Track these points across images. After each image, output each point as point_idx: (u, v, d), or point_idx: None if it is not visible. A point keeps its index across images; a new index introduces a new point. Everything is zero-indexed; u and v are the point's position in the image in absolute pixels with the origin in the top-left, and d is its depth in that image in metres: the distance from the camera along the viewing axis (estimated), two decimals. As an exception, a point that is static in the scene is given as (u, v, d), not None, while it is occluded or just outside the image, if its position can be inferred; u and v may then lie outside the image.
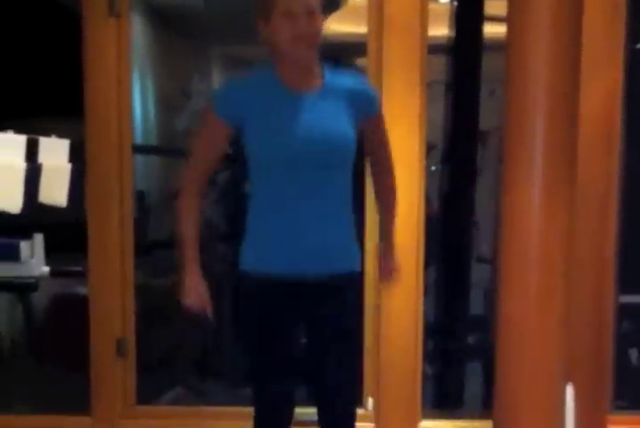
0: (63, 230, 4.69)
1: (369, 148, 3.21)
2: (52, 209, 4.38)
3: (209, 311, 3.04)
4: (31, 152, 4.14)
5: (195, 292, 3.04)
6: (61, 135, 4.45)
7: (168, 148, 6.34)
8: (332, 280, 3.03)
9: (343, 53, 5.72)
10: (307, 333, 3.13)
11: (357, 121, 3.06)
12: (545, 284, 2.36)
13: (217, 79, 6.68)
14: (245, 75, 3.15)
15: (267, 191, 3.01)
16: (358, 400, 3.50)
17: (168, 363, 5.28)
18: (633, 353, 4.79)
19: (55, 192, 4.31)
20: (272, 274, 3.00)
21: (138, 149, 5.51)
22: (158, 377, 5.05)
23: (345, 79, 3.10)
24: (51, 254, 5.02)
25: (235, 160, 6.03)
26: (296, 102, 2.98)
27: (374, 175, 3.33)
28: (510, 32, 2.40)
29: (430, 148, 5.33)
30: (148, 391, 4.46)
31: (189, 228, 3.08)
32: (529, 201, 2.35)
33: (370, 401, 3.31)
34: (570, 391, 2.46)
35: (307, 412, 3.23)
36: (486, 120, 5.19)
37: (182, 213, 3.10)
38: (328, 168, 2.99)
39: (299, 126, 2.95)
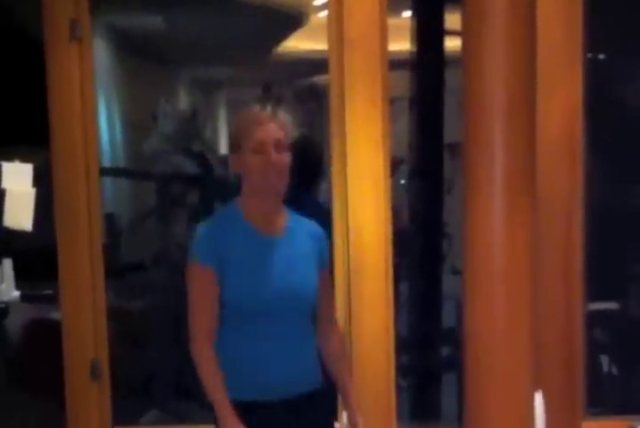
0: (33, 256, 4.68)
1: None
2: (21, 235, 4.38)
3: None
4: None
5: None
6: (27, 160, 4.46)
7: (137, 170, 6.35)
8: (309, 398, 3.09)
9: (304, 71, 5.74)
10: None
11: (319, 263, 3.16)
12: (511, 296, 2.38)
13: (183, 101, 6.70)
14: (213, 219, 3.14)
15: (240, 334, 3.02)
16: (334, 415, 3.51)
17: (143, 385, 5.27)
18: (604, 359, 4.83)
19: (20, 216, 4.33)
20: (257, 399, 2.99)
21: (106, 171, 5.52)
22: (134, 400, 5.03)
23: (305, 223, 3.18)
24: (21, 280, 5.01)
25: (203, 180, 6.06)
26: (266, 247, 3.04)
27: (321, 336, 3.23)
28: (465, 45, 2.42)
29: (398, 162, 5.37)
30: (124, 415, 4.44)
31: (218, 383, 2.97)
32: (490, 215, 2.37)
33: (345, 415, 3.31)
34: (539, 399, 2.48)
35: None
36: (455, 132, 5.22)
37: (205, 369, 2.98)
38: (298, 309, 3.07)
39: (272, 273, 3.01)
